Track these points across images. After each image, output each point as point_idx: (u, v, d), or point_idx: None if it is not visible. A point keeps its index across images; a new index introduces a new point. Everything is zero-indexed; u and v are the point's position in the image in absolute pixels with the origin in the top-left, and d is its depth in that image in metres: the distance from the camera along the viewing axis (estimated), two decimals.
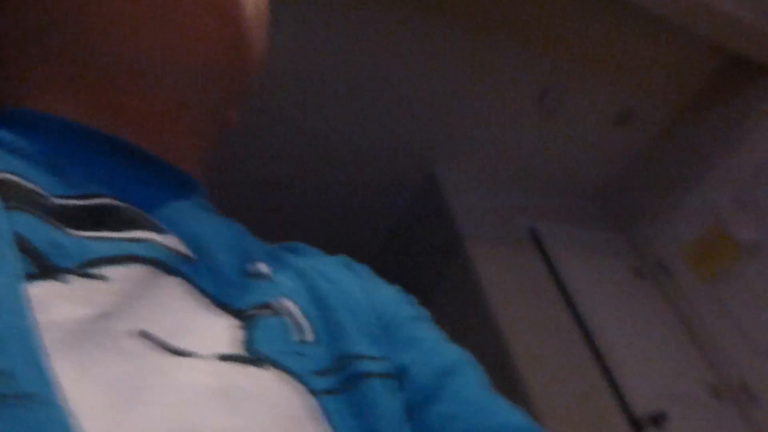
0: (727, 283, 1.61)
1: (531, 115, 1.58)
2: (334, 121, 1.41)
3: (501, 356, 1.25)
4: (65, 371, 0.23)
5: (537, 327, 1.34)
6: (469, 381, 0.39)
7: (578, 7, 1.41)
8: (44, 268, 0.26)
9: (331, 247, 0.48)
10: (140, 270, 0.30)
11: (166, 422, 0.25)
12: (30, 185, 0.30)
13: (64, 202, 0.31)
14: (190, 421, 0.26)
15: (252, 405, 0.29)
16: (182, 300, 0.32)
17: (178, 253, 0.33)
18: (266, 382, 0.31)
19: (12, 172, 0.29)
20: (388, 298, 0.44)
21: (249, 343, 0.32)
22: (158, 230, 0.33)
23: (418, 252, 1.57)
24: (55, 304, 0.25)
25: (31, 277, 0.25)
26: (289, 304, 0.36)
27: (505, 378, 1.25)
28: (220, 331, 0.32)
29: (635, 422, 1.37)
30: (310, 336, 0.36)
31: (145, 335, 0.28)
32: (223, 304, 0.34)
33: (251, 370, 0.31)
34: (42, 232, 0.27)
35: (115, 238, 0.30)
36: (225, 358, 0.30)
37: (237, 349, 0.31)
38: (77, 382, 0.23)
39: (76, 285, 0.27)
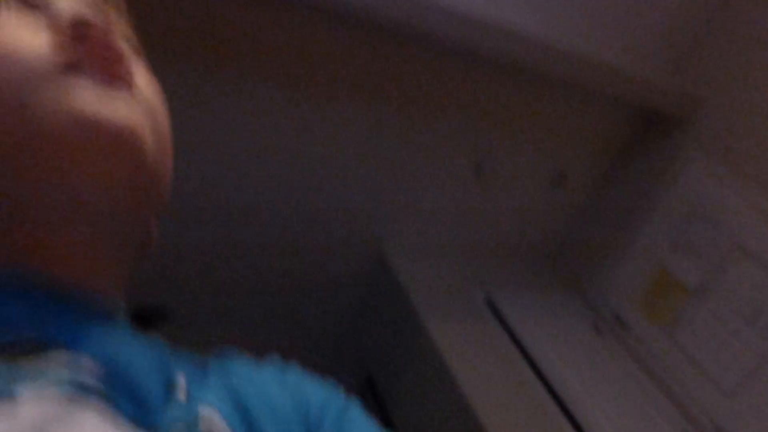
0: (684, 328, 1.64)
1: (470, 185, 1.64)
2: (277, 208, 1.42)
3: (471, 426, 1.23)
4: None
5: (504, 396, 1.33)
6: None
7: (503, 82, 1.50)
8: None
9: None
10: (56, 395, 0.29)
11: None
12: None
13: None
14: None
15: None
16: (98, 427, 0.31)
17: (96, 376, 0.33)
18: None
19: None
20: (315, 398, 0.44)
21: None
22: (75, 356, 0.33)
23: (379, 333, 1.56)
24: None
25: None
26: (214, 416, 0.36)
27: None
28: None
29: None
30: None
31: None
32: (142, 424, 0.33)
33: None
34: None
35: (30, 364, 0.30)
36: None
37: None
38: None
39: None
